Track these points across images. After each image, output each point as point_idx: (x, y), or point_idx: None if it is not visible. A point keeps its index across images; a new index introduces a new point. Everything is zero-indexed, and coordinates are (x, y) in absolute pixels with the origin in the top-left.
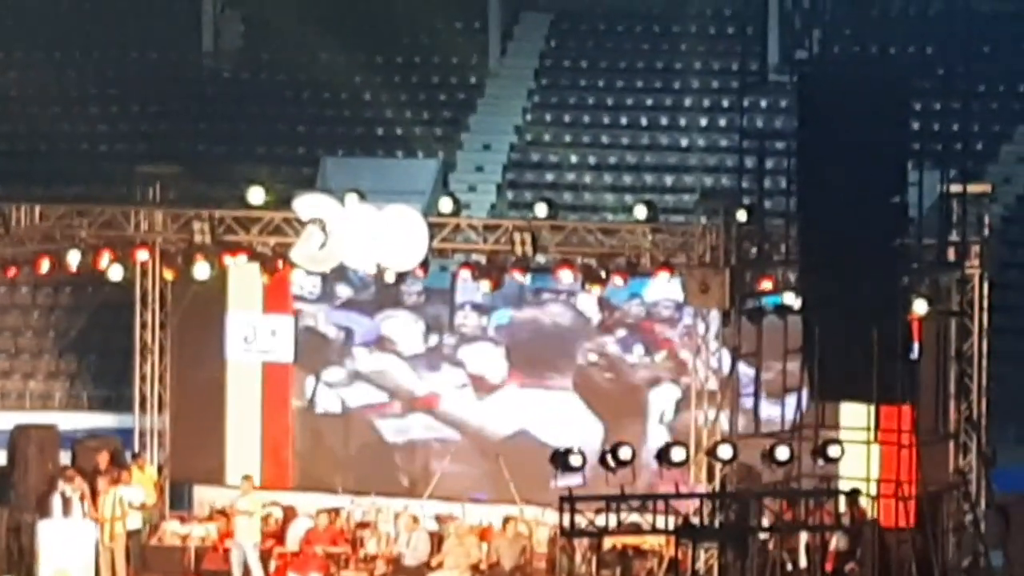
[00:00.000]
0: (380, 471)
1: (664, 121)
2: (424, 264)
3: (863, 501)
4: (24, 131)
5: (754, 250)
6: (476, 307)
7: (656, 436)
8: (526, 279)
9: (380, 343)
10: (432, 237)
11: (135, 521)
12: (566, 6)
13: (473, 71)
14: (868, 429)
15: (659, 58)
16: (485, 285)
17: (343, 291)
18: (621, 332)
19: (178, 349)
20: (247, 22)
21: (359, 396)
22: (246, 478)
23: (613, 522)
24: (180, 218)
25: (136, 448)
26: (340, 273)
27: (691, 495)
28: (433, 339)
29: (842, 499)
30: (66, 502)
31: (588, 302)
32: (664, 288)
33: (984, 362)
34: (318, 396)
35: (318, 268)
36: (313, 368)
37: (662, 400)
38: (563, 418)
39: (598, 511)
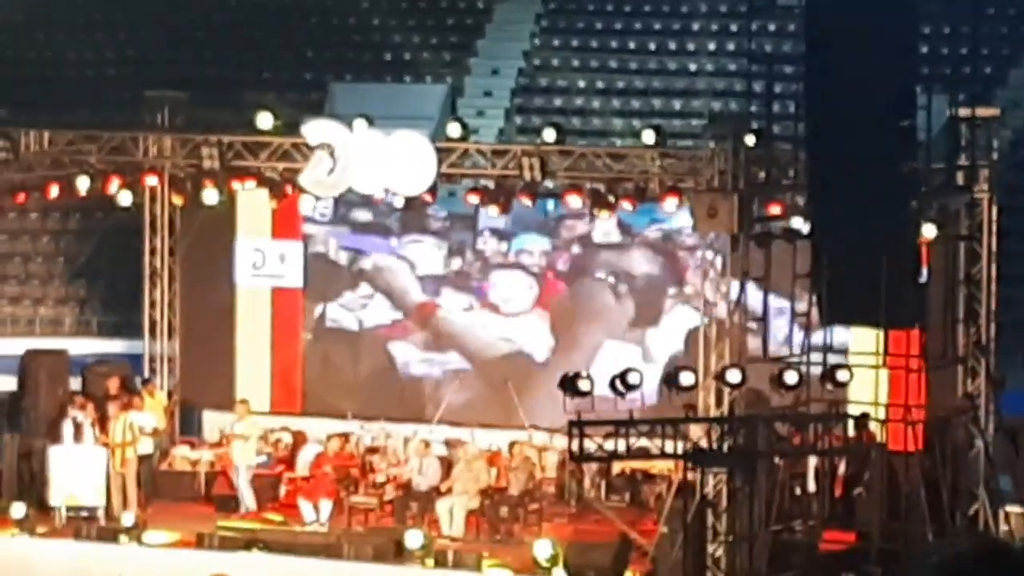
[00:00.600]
0: (389, 396)
1: (672, 45)
2: (432, 189)
3: (871, 425)
4: (32, 57)
5: (762, 174)
6: (495, 232)
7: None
8: (551, 205)
9: (399, 265)
10: (440, 162)
11: (146, 446)
12: None
13: None
14: (877, 353)
15: None
16: (493, 210)
17: (364, 216)
18: (640, 255)
19: (187, 275)
20: None
21: (371, 317)
22: (242, 402)
23: (622, 447)
24: (188, 143)
25: (146, 374)
26: (365, 198)
27: (700, 419)
28: (456, 263)
29: (850, 423)
30: (77, 428)
31: (610, 227)
32: (685, 215)
33: (993, 286)
34: (330, 315)
35: (326, 193)
36: (324, 294)
37: (667, 323)
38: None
39: (607, 436)
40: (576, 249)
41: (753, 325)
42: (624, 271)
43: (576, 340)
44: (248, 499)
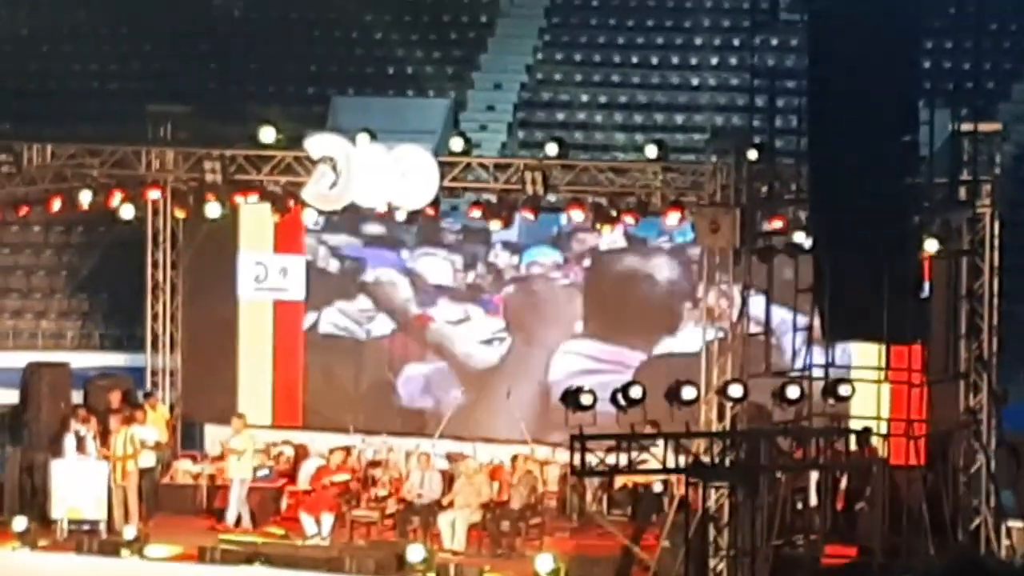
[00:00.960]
0: (391, 410)
1: (675, 60)
2: (435, 203)
3: (873, 440)
4: (35, 69)
5: (765, 189)
6: (507, 245)
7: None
8: (563, 219)
9: (400, 279)
10: (443, 176)
11: (148, 460)
12: None
13: (484, 9)
14: (879, 368)
15: None
16: (495, 224)
17: (376, 228)
18: (651, 266)
19: (189, 288)
20: None
21: (372, 329)
22: (238, 416)
23: (624, 461)
24: (191, 157)
25: (148, 387)
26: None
27: (703, 434)
28: (469, 276)
29: (852, 438)
30: (79, 441)
31: (620, 239)
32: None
33: (995, 301)
34: (323, 323)
35: (329, 207)
36: (314, 302)
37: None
38: None
39: (609, 450)
40: (587, 262)
41: (762, 336)
42: (645, 275)
43: (531, 343)
44: (232, 514)
